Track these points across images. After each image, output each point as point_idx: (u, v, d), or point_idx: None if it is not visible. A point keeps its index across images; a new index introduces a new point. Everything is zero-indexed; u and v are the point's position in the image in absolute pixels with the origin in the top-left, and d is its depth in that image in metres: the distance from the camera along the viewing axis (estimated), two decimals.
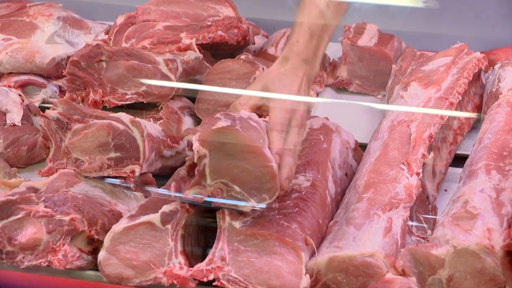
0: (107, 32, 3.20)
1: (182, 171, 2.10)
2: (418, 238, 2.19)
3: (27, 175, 2.55)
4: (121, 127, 2.33)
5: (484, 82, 2.83)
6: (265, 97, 2.21)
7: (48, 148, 2.40)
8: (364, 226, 2.07)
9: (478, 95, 2.80)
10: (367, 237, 2.03)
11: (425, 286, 1.97)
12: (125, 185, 2.36)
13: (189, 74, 2.78)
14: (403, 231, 2.11)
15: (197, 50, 2.83)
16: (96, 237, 2.15)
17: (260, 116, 2.33)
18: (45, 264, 2.12)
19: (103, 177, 2.34)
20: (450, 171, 2.53)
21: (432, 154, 2.36)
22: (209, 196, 2.00)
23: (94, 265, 2.13)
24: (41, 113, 2.39)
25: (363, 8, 3.27)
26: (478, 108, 2.76)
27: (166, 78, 2.67)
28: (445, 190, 2.48)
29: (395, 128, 2.43)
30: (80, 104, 2.58)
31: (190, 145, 2.02)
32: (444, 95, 2.56)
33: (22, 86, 2.94)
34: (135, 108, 2.63)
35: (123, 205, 2.30)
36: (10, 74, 2.97)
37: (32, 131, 2.68)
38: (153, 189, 2.41)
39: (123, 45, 2.96)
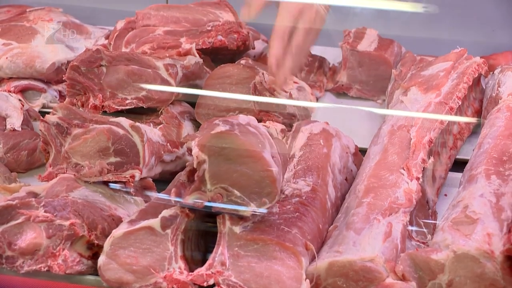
0: (107, 37, 3.20)
1: (182, 177, 2.10)
2: (418, 243, 2.19)
3: (27, 180, 2.55)
4: (121, 132, 2.33)
5: (484, 87, 2.83)
6: None
7: (48, 153, 2.40)
8: (364, 230, 2.07)
9: (478, 100, 2.80)
10: (367, 242, 2.03)
11: None
12: (125, 190, 2.36)
13: (189, 79, 2.78)
14: (403, 236, 2.10)
15: (197, 55, 2.83)
16: (96, 242, 2.15)
17: (259, 121, 2.33)
18: (45, 269, 2.12)
19: (103, 182, 2.34)
20: (450, 176, 2.53)
21: (432, 159, 2.36)
22: (209, 201, 2.00)
23: (94, 270, 2.13)
24: (41, 118, 2.39)
25: (363, 13, 3.28)
26: (478, 113, 2.77)
27: (166, 83, 2.67)
28: (445, 195, 2.48)
29: (395, 133, 2.43)
30: (80, 109, 2.59)
31: (190, 150, 2.02)
32: (444, 100, 2.56)
33: (22, 91, 2.94)
34: (135, 113, 2.64)
35: (123, 210, 2.30)
36: (10, 79, 2.97)
37: (32, 136, 2.68)
38: (153, 194, 2.41)
39: (123, 50, 2.96)
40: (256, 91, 2.70)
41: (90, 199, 2.27)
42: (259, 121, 2.20)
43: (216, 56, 3.01)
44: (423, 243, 2.19)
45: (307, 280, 1.96)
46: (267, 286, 1.96)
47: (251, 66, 2.84)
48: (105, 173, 2.31)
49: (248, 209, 1.99)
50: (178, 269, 2.03)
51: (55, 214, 2.14)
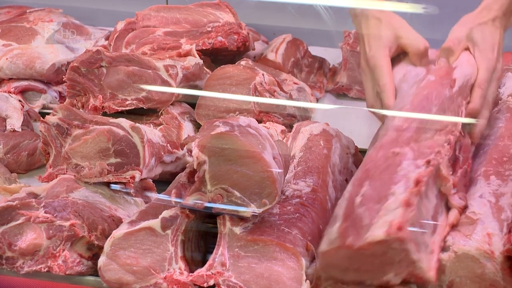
0: (107, 38, 3.20)
1: (182, 178, 2.10)
2: None
3: (27, 180, 2.55)
4: (121, 132, 2.33)
5: None
6: (471, 42, 2.31)
7: (48, 153, 2.40)
8: None
9: None
10: None
11: None
12: (125, 190, 2.36)
13: (189, 80, 2.78)
14: None
15: (197, 56, 2.83)
16: (96, 242, 2.15)
17: (259, 122, 2.33)
18: (45, 270, 2.12)
19: (104, 183, 2.34)
20: None
21: None
22: (209, 202, 2.00)
23: (94, 271, 2.13)
24: (41, 118, 2.39)
25: None
26: None
27: (166, 84, 2.67)
28: None
29: None
30: (80, 109, 2.59)
31: (190, 151, 2.02)
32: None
33: (22, 91, 2.94)
34: (135, 114, 2.64)
35: (123, 211, 2.31)
36: (10, 79, 2.97)
37: (32, 137, 2.68)
38: (153, 195, 2.41)
39: (123, 51, 2.96)
40: (256, 92, 2.70)
41: (90, 200, 2.27)
42: (259, 122, 2.20)
43: (216, 57, 3.02)
44: None
45: (308, 281, 1.96)
46: (267, 287, 1.96)
47: (251, 67, 2.84)
48: (105, 174, 2.32)
49: (248, 210, 1.99)
50: (178, 269, 2.03)
51: (55, 215, 2.14)
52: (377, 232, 1.79)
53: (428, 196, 2.00)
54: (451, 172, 2.10)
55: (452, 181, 2.07)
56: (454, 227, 2.01)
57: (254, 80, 2.72)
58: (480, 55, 2.30)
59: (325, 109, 3.00)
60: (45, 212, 2.14)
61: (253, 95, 2.70)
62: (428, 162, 1.98)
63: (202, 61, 2.83)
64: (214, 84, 2.75)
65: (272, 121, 2.68)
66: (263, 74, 2.77)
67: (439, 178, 2.05)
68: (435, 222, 2.00)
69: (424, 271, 1.86)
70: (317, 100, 3.08)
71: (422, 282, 1.89)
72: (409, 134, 2.06)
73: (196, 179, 2.01)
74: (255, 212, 1.99)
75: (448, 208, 2.08)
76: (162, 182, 2.43)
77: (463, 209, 2.06)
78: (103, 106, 2.60)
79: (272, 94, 2.75)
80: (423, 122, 2.11)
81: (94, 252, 2.17)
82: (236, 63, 2.87)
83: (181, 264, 2.04)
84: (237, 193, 1.99)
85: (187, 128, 2.67)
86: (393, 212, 1.82)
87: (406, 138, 2.05)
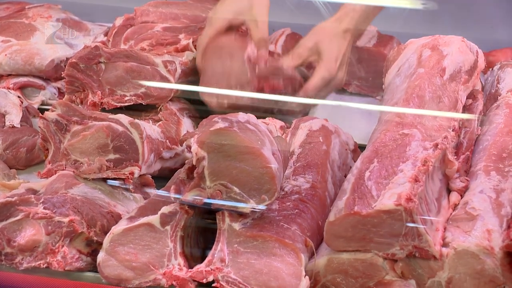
0: (106, 34, 3.20)
1: (181, 174, 2.10)
2: None
3: (26, 176, 2.55)
4: (120, 128, 2.33)
5: (483, 84, 2.83)
6: (315, 53, 2.61)
7: (47, 149, 2.40)
8: None
9: None
10: None
11: None
12: (124, 186, 2.36)
13: (188, 75, 2.78)
14: None
15: (195, 50, 2.83)
16: (95, 238, 2.15)
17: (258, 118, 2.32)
18: (44, 266, 2.12)
19: (102, 179, 2.34)
20: None
21: None
22: (208, 198, 2.00)
23: (93, 267, 2.13)
24: (40, 114, 2.39)
25: None
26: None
27: (165, 79, 2.67)
28: None
29: None
30: (79, 105, 2.58)
31: (189, 147, 2.02)
32: None
33: (21, 87, 2.94)
34: (134, 110, 2.63)
35: (122, 207, 2.30)
36: (9, 76, 2.97)
37: (31, 133, 2.68)
38: (152, 191, 2.41)
39: (122, 47, 2.96)
40: (250, 63, 2.67)
41: (89, 196, 2.27)
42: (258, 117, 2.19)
43: None
44: None
45: (307, 277, 1.96)
46: (266, 283, 1.96)
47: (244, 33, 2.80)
48: (104, 170, 2.31)
49: (247, 206, 1.99)
50: (177, 265, 2.03)
51: (54, 211, 2.14)
52: (386, 201, 1.89)
53: (434, 179, 2.07)
54: (455, 157, 2.17)
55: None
56: (453, 221, 2.02)
57: (247, 50, 2.69)
58: (320, 64, 2.59)
59: (324, 104, 3.00)
60: (44, 208, 2.14)
61: (248, 65, 2.67)
62: (436, 145, 2.07)
63: None
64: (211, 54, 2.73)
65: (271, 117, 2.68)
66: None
67: (444, 163, 2.12)
68: (439, 204, 2.06)
69: (430, 244, 1.91)
70: None
71: (426, 257, 1.94)
72: (415, 117, 2.17)
73: (195, 175, 2.01)
74: (254, 208, 1.99)
75: (449, 192, 2.14)
76: (161, 178, 2.43)
77: (464, 191, 2.13)
78: (102, 102, 2.60)
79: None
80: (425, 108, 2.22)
81: (93, 248, 2.17)
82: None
83: (180, 260, 2.04)
84: (236, 189, 1.99)
85: (186, 124, 2.67)
86: (402, 185, 1.92)
87: (413, 121, 2.15)
